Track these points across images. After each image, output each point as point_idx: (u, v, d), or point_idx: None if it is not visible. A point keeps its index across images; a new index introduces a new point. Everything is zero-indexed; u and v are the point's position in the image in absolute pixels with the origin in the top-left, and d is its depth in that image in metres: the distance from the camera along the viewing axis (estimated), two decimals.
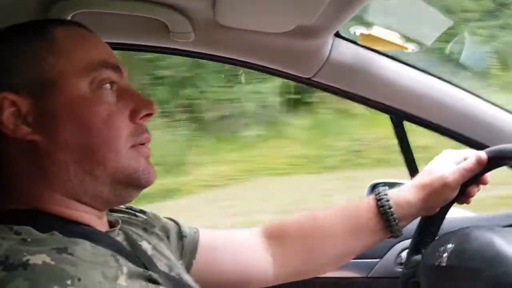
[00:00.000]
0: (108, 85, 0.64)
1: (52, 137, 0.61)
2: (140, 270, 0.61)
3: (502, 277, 0.70)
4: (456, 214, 1.23)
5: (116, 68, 0.66)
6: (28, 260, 0.51)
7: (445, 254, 0.81)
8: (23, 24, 0.66)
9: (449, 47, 1.45)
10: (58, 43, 0.63)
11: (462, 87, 1.13)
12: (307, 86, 1.17)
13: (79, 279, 0.51)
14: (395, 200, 0.88)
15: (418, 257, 0.92)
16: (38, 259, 0.51)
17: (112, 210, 0.77)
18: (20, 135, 0.61)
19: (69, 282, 0.50)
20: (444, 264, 0.81)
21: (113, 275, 0.56)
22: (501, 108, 1.13)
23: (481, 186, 0.91)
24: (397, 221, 0.87)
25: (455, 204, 0.92)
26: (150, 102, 0.67)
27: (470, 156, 0.88)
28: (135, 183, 0.65)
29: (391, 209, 0.87)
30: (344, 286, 1.19)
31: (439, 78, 1.12)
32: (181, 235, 0.86)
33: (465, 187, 0.89)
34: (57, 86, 0.61)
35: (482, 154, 0.86)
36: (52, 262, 0.52)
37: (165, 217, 0.87)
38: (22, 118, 0.61)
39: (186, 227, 0.88)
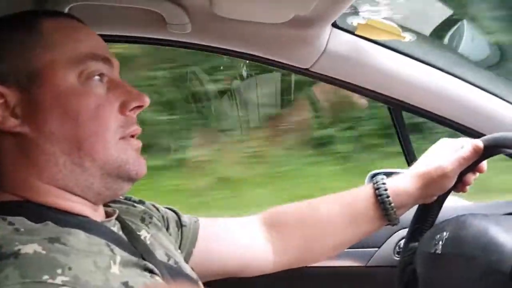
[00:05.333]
0: (97, 77, 0.64)
1: (41, 129, 0.61)
2: (135, 259, 0.62)
3: (495, 264, 0.70)
4: (453, 203, 1.24)
5: (107, 60, 0.66)
6: (19, 249, 0.51)
7: (441, 242, 0.82)
8: (12, 15, 0.66)
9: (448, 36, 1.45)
10: (46, 35, 0.63)
11: (460, 76, 1.13)
12: (305, 76, 1.17)
13: (69, 268, 0.52)
14: (393, 188, 0.89)
15: (415, 244, 0.93)
16: (29, 248, 0.52)
17: (110, 201, 0.77)
18: (9, 127, 0.61)
19: (59, 271, 0.51)
20: (439, 251, 0.82)
21: (106, 264, 0.57)
22: (498, 96, 1.13)
23: (478, 174, 0.91)
24: (394, 209, 0.88)
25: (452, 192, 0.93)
26: (141, 94, 0.67)
27: (466, 145, 0.88)
28: (125, 175, 0.65)
29: (389, 198, 0.88)
30: (343, 275, 1.20)
31: (437, 67, 1.12)
32: (180, 225, 0.86)
33: (462, 175, 0.89)
34: (45, 78, 0.61)
35: (479, 143, 0.87)
36: (43, 252, 0.52)
37: (164, 207, 0.88)
38: (10, 110, 0.61)
39: (185, 217, 0.89)
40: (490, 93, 1.12)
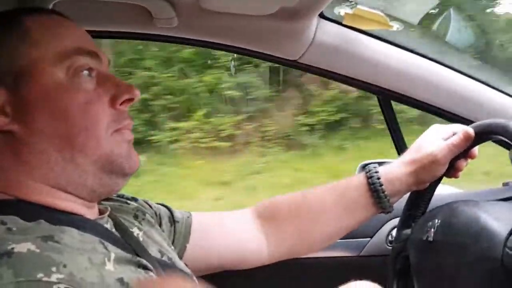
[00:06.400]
0: (86, 72, 0.63)
1: (30, 126, 0.60)
2: (129, 256, 0.62)
3: (487, 252, 0.71)
4: (446, 190, 1.25)
5: (94, 54, 0.65)
6: (13, 248, 0.51)
7: (433, 229, 0.83)
8: None
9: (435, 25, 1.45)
10: (31, 32, 0.62)
11: (447, 64, 1.13)
12: (294, 68, 1.17)
13: (64, 266, 0.51)
14: (386, 177, 0.89)
15: (407, 231, 0.94)
16: (23, 247, 0.51)
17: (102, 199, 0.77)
18: None
19: (54, 269, 0.51)
20: (431, 239, 0.82)
21: (100, 261, 0.57)
22: (485, 84, 1.14)
23: (469, 160, 0.92)
24: (388, 197, 0.89)
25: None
26: (131, 87, 0.66)
27: (457, 132, 0.88)
28: (118, 170, 0.64)
29: (382, 186, 0.88)
30: (336, 265, 1.20)
31: (424, 56, 1.13)
32: (173, 220, 0.86)
33: (454, 162, 0.90)
34: (32, 75, 0.60)
35: (470, 130, 0.87)
36: (37, 250, 0.52)
37: (156, 203, 0.88)
38: None
39: (178, 212, 0.89)
40: (478, 80, 1.13)
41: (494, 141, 0.94)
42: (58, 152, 0.61)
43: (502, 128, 0.80)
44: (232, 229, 0.91)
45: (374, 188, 0.89)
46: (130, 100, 0.66)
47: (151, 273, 0.62)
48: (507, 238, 0.69)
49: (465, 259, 0.75)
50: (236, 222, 0.93)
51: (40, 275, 0.49)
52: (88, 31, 0.69)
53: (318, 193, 0.95)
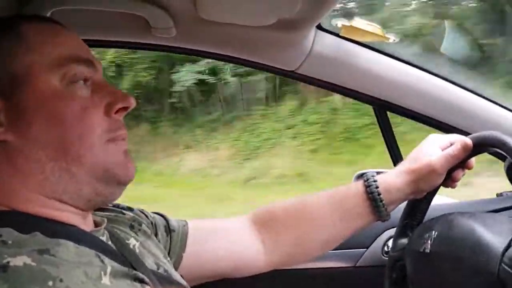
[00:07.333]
0: (81, 81, 0.63)
1: (25, 135, 0.60)
2: (125, 269, 0.61)
3: (483, 266, 0.71)
4: (442, 201, 1.25)
5: (90, 63, 0.64)
6: (8, 262, 0.50)
7: (429, 241, 0.82)
8: None
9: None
10: (28, 39, 0.62)
11: (443, 76, 1.14)
12: (291, 79, 1.17)
13: (61, 280, 0.51)
14: (384, 185, 0.89)
15: (404, 240, 0.94)
16: (18, 261, 0.51)
17: (98, 209, 0.75)
18: None
19: (50, 283, 0.50)
20: (428, 250, 0.82)
21: (97, 275, 0.56)
22: (481, 96, 1.14)
23: (466, 170, 0.92)
24: (385, 206, 0.89)
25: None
26: (126, 95, 0.65)
27: (455, 142, 0.89)
28: (113, 178, 0.64)
29: (380, 195, 0.88)
30: (333, 276, 1.20)
31: (420, 68, 1.14)
32: (169, 230, 0.86)
33: (451, 172, 0.90)
34: (27, 82, 0.60)
35: (468, 141, 0.87)
36: (33, 264, 0.51)
37: (153, 212, 0.87)
38: None
39: (174, 221, 0.88)
40: (473, 92, 1.14)
41: (489, 153, 0.94)
42: (54, 161, 0.60)
43: (499, 141, 0.81)
44: (228, 236, 0.91)
45: (373, 197, 0.89)
46: (125, 108, 0.65)
47: (147, 287, 0.62)
48: (503, 253, 0.69)
49: (461, 271, 0.75)
50: (233, 229, 0.92)
51: None
52: (86, 40, 0.69)
53: (316, 200, 0.94)
